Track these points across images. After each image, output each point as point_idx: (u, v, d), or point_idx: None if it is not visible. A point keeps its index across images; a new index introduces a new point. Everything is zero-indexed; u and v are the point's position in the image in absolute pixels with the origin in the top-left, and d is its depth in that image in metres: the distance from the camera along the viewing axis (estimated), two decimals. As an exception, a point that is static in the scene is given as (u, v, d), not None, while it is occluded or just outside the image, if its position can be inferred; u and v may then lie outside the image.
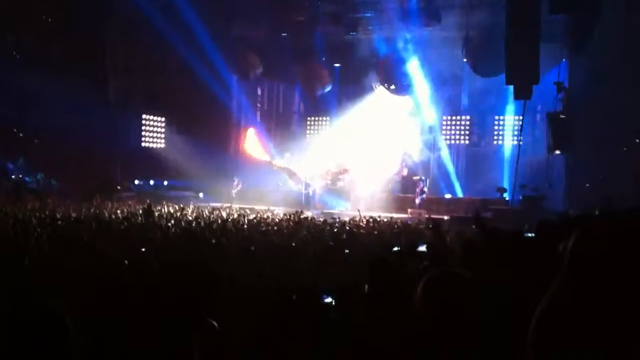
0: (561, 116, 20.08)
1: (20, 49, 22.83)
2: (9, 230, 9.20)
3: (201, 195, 25.07)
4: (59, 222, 11.25)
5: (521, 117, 23.03)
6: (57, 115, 22.76)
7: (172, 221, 12.61)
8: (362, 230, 11.77)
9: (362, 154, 25.21)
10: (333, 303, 5.15)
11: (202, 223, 12.19)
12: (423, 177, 23.62)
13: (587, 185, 20.21)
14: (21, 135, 22.34)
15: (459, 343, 2.49)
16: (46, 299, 2.86)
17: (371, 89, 26.03)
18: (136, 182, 24.88)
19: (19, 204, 16.53)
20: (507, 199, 21.30)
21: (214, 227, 11.36)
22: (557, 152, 20.63)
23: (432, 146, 26.00)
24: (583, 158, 20.73)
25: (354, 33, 25.19)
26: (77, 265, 6.77)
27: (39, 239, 8.56)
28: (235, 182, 25.07)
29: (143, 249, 7.74)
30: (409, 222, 16.22)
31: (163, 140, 27.49)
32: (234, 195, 24.63)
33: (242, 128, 28.75)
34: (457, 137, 26.02)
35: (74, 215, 13.47)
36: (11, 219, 11.28)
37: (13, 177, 20.98)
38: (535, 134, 23.91)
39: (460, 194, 24.05)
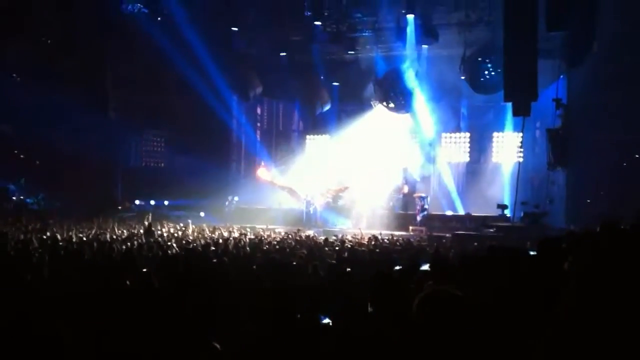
0: (560, 132, 20.14)
1: (20, 67, 22.95)
2: (10, 250, 9.20)
3: (202, 214, 25.02)
4: (60, 243, 11.25)
5: (521, 134, 23.09)
6: (57, 134, 22.91)
7: (173, 241, 12.60)
8: (363, 248, 11.76)
9: (363, 172, 25.19)
10: (330, 324, 5.14)
11: (203, 242, 12.18)
12: (424, 194, 23.60)
13: (588, 201, 20.22)
14: (22, 156, 22.38)
15: (453, 358, 2.51)
16: (44, 319, 2.88)
17: (370, 106, 26.10)
18: (137, 201, 24.86)
19: (20, 225, 16.52)
20: (508, 215, 21.26)
21: (215, 246, 11.35)
22: (558, 168, 20.67)
23: (432, 163, 26.01)
24: (583, 174, 20.76)
25: (353, 52, 25.35)
26: (78, 286, 6.78)
27: (40, 259, 8.56)
28: (229, 201, 25.12)
29: (144, 270, 7.75)
30: (411, 239, 16.21)
31: (163, 159, 27.49)
32: (227, 212, 24.70)
33: (238, 137, 28.68)
34: (457, 154, 26.02)
35: (75, 235, 13.47)
36: (12, 240, 11.29)
37: (14, 198, 20.98)
38: (535, 150, 23.90)
39: (461, 211, 23.99)
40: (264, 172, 27.37)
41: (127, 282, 6.42)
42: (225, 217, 24.60)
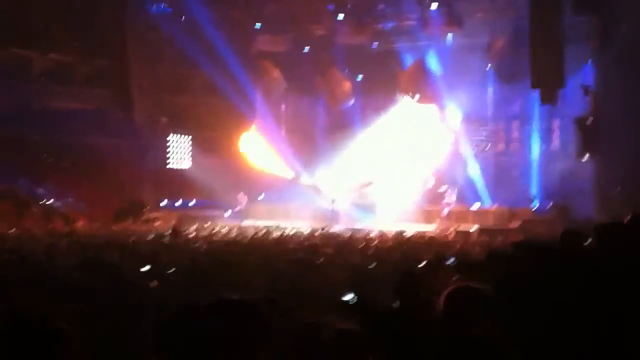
0: (589, 120, 19.77)
1: (45, 71, 23.27)
2: (39, 254, 9.29)
3: (228, 213, 25.15)
4: (88, 246, 11.34)
5: (548, 123, 22.74)
6: (83, 137, 23.19)
7: (200, 241, 12.65)
8: (389, 244, 11.68)
9: (388, 166, 25.05)
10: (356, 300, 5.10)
11: (229, 242, 12.21)
12: (450, 188, 23.41)
13: (618, 189, 19.78)
14: (50, 160, 22.69)
15: (477, 356, 2.46)
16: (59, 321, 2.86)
17: (395, 99, 25.93)
18: (163, 202, 25.06)
19: (49, 228, 16.74)
20: (535, 207, 20.96)
21: (240, 245, 11.37)
22: (586, 157, 20.29)
23: (459, 155, 25.77)
24: (612, 163, 20.34)
25: (376, 44, 25.19)
26: (105, 289, 6.81)
27: (68, 262, 8.63)
28: (240, 199, 25.17)
29: (171, 270, 7.79)
30: (437, 234, 16.07)
31: (189, 160, 27.67)
32: (240, 212, 24.80)
33: (243, 120, 27.42)
34: (483, 145, 25.71)
35: (103, 238, 13.59)
36: (41, 243, 11.42)
37: (42, 201, 21.29)
38: (563, 139, 23.51)
39: (488, 204, 23.72)
40: (252, 141, 27.03)
41: (152, 284, 6.43)
42: (250, 215, 24.71)
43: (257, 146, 27.54)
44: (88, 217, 21.04)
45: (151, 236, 14.03)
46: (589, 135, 19.39)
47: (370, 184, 24.63)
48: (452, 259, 7.47)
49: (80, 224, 18.80)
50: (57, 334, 2.79)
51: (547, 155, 21.24)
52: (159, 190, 25.43)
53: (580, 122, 19.84)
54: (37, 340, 2.60)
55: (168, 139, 27.06)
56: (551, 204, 20.36)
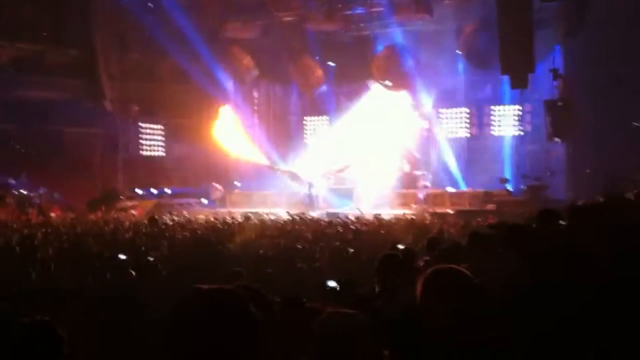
0: (558, 103, 20.09)
1: (14, 61, 22.88)
2: (15, 245, 9.23)
3: (204, 201, 25.07)
4: (64, 236, 11.28)
5: (519, 107, 23.04)
6: (55, 126, 22.91)
7: (178, 229, 12.64)
8: (367, 229, 11.80)
9: (363, 152, 25.16)
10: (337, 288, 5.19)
11: (208, 229, 12.22)
12: (425, 172, 23.61)
13: (588, 171, 20.20)
14: (23, 151, 22.38)
15: (459, 336, 2.52)
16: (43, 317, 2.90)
17: (367, 86, 26.00)
18: (138, 191, 24.88)
19: (24, 219, 16.56)
20: (509, 189, 21.29)
21: (219, 232, 11.39)
22: (557, 139, 20.65)
23: (432, 140, 26.01)
24: (583, 144, 20.75)
25: (347, 31, 25.17)
26: (83, 280, 6.82)
27: (44, 253, 8.58)
28: (217, 187, 25.13)
29: (150, 258, 7.83)
30: (414, 217, 16.24)
31: (162, 147, 27.48)
32: (217, 200, 24.78)
33: (215, 106, 27.09)
34: (456, 129, 25.94)
35: (78, 228, 13.50)
36: (17, 234, 11.32)
37: (16, 192, 21.01)
38: (534, 122, 23.87)
39: (462, 187, 24.01)
40: (226, 122, 26.97)
41: (133, 273, 6.44)
42: (227, 203, 24.68)
43: (231, 133, 27.43)
44: (62, 207, 20.84)
45: (127, 225, 13.99)
46: (559, 118, 19.71)
47: (347, 167, 24.68)
48: (430, 242, 7.58)
49: (54, 215, 18.60)
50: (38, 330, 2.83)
51: (519, 139, 21.52)
52: (133, 179, 25.21)
53: (550, 106, 20.14)
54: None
55: (140, 127, 26.81)
56: (524, 185, 20.70)
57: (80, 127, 23.75)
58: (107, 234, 11.68)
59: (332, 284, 5.33)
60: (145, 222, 14.00)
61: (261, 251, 8.60)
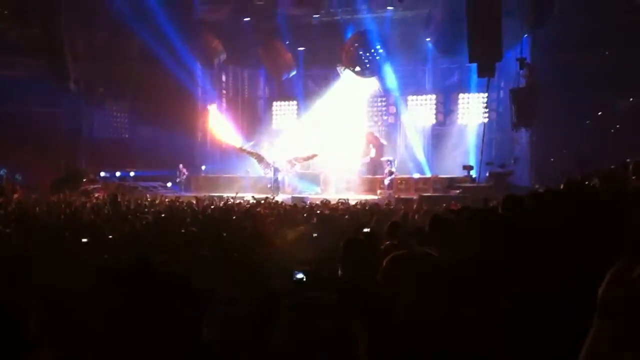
0: (524, 92, 20.31)
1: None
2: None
3: (169, 184, 24.84)
4: (26, 217, 11.04)
5: (486, 95, 23.25)
6: (18, 106, 22.39)
7: (140, 212, 12.47)
8: (332, 213, 11.79)
9: (330, 138, 25.17)
10: (304, 279, 5.17)
11: (171, 213, 12.09)
12: (391, 158, 23.73)
13: (552, 160, 20.54)
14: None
15: (421, 319, 2.52)
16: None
17: (336, 71, 25.95)
18: (102, 173, 24.52)
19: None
20: (474, 176, 21.53)
21: (183, 216, 11.28)
22: (521, 128, 20.91)
23: (399, 127, 26.14)
24: (547, 133, 21.07)
25: (317, 15, 25.07)
26: (44, 256, 6.69)
27: (3, 234, 8.40)
28: (182, 170, 24.95)
29: (110, 236, 7.74)
30: (379, 203, 16.32)
31: (127, 130, 27.09)
32: (180, 184, 24.60)
33: (203, 106, 28.12)
34: (423, 116, 26.09)
35: (41, 208, 13.23)
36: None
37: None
38: (499, 110, 24.18)
39: (428, 173, 24.22)
40: (215, 118, 27.12)
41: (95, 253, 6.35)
42: (192, 186, 24.52)
43: (198, 116, 27.26)
44: (25, 188, 20.44)
45: (89, 206, 13.76)
46: (524, 106, 19.92)
47: (314, 156, 24.63)
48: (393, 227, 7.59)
49: (16, 196, 18.21)
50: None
51: (485, 126, 21.74)
52: (97, 161, 24.81)
53: (516, 94, 20.36)
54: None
55: (105, 108, 26.38)
56: (488, 173, 20.94)
57: (43, 107, 23.27)
58: (68, 215, 11.46)
59: (299, 275, 5.30)
60: (108, 203, 13.79)
61: (225, 234, 8.51)
